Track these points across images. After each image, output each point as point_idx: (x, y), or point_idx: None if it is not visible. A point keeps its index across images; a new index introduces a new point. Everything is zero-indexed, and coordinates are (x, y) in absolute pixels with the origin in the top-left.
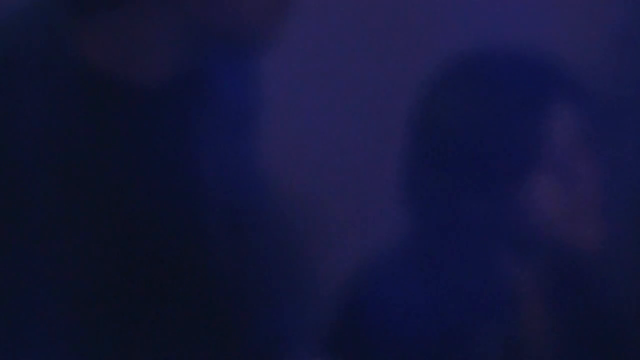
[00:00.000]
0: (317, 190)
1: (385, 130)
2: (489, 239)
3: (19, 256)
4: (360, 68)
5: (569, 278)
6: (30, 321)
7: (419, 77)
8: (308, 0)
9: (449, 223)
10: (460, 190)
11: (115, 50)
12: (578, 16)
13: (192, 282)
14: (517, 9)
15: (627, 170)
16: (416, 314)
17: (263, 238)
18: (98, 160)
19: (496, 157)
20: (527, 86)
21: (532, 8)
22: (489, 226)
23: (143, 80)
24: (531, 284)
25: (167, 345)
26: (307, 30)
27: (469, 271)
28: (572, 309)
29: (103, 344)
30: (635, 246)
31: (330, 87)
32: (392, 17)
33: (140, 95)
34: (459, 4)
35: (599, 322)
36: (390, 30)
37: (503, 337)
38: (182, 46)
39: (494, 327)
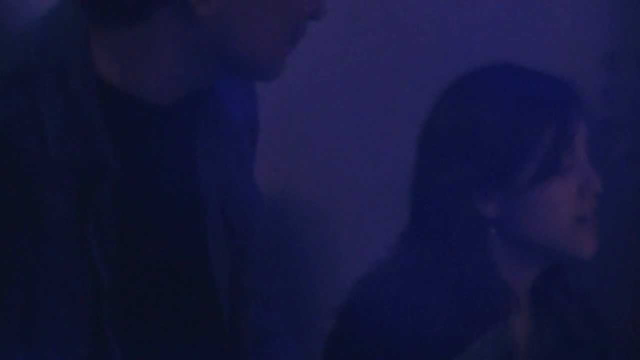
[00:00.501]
0: (321, 204)
1: (389, 145)
2: (488, 244)
3: (31, 256)
4: (367, 82)
5: (564, 283)
6: (37, 321)
7: (430, 89)
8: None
9: (451, 229)
10: (466, 198)
11: (129, 68)
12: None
13: (195, 287)
14: (513, 32)
15: (617, 182)
16: (415, 318)
17: (266, 248)
18: (109, 170)
19: (498, 163)
20: (529, 96)
21: (526, 29)
22: (490, 231)
23: (154, 97)
24: (527, 288)
25: (168, 349)
26: (313, 47)
27: (468, 274)
28: (565, 313)
29: (107, 345)
30: (626, 254)
31: (335, 102)
32: (397, 37)
33: (151, 111)
34: (460, 27)
35: (592, 329)
36: (395, 50)
37: (498, 341)
38: (193, 66)
39: (490, 331)
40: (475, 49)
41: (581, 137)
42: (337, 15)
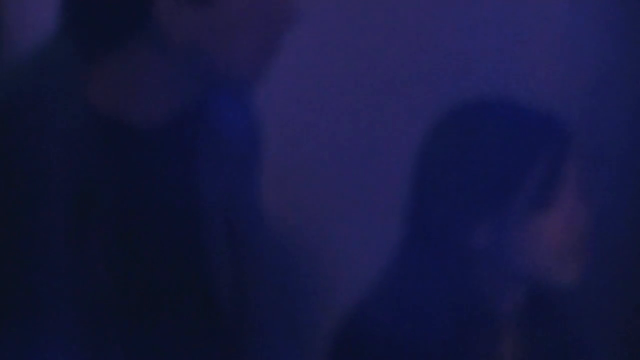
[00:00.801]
0: (316, 223)
1: (384, 165)
2: (479, 270)
3: (33, 285)
4: (359, 108)
5: (547, 309)
6: (37, 322)
7: (423, 120)
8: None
9: (443, 255)
10: (456, 228)
11: (119, 94)
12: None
13: (196, 290)
14: (507, 63)
15: (608, 208)
16: (405, 339)
17: (262, 267)
18: (106, 196)
19: (489, 196)
20: (519, 131)
21: (520, 60)
22: (480, 258)
23: (146, 121)
24: (512, 313)
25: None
26: (302, 68)
27: (458, 298)
28: (548, 339)
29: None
30: (615, 281)
31: (327, 121)
32: (391, 61)
33: (144, 135)
34: (453, 60)
35: (577, 349)
36: (386, 72)
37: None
38: (181, 88)
39: (477, 353)
40: (481, 78)
41: (570, 171)
42: (338, 20)
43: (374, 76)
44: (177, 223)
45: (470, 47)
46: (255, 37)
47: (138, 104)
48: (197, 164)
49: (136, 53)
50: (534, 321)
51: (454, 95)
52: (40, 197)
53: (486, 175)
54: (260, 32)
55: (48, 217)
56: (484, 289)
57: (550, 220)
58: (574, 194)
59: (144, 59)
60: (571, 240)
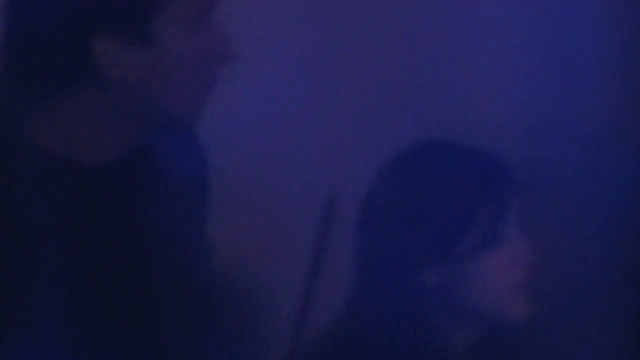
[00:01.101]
0: (265, 257)
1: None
2: (432, 308)
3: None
4: (310, 143)
5: (499, 346)
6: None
7: (375, 159)
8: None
9: (396, 292)
10: (408, 268)
11: (64, 134)
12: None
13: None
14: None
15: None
16: None
17: (210, 303)
18: (52, 236)
19: (441, 234)
20: (468, 171)
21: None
22: (432, 295)
23: (91, 160)
24: (465, 349)
25: None
26: (250, 102)
27: (411, 335)
28: None
29: None
30: (568, 318)
31: (275, 156)
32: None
33: (89, 174)
34: (404, 103)
35: None
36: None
37: None
38: (124, 127)
39: None
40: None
41: (514, 210)
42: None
43: (325, 114)
44: (124, 260)
45: (414, 94)
46: (193, 76)
47: (83, 143)
48: (143, 202)
49: (78, 94)
50: (487, 358)
51: (406, 136)
52: None
53: (432, 217)
54: (198, 71)
55: None
56: (437, 326)
57: (499, 258)
58: (522, 232)
59: (85, 100)
60: (520, 278)
